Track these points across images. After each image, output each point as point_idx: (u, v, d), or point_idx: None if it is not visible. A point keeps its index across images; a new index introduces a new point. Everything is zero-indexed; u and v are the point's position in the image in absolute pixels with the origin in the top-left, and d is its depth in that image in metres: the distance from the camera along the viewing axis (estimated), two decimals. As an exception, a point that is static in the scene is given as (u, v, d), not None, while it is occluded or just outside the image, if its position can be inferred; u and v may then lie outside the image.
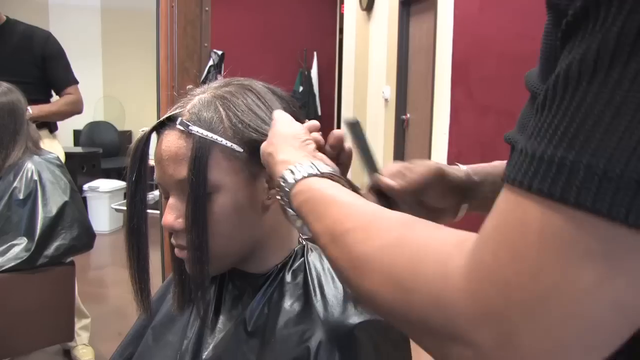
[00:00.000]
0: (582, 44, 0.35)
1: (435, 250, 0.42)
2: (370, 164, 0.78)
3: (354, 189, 0.65)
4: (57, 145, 2.96)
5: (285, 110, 0.83)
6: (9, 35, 2.88)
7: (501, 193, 0.39)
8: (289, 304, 0.83)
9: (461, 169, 0.82)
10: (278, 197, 0.66)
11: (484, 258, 0.37)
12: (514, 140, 0.53)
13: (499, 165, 0.83)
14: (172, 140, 0.79)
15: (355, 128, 0.79)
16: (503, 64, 4.30)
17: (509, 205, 0.37)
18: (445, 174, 0.78)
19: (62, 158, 2.60)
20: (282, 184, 0.64)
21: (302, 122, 0.87)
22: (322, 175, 0.63)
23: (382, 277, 0.45)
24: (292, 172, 0.64)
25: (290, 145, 0.69)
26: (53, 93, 3.07)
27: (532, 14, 4.38)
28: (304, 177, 0.63)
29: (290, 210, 0.64)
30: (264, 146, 0.73)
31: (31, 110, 2.65)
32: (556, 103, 0.35)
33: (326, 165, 0.65)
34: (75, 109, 3.03)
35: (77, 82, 3.07)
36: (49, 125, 2.98)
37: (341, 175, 0.65)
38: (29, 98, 2.30)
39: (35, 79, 2.92)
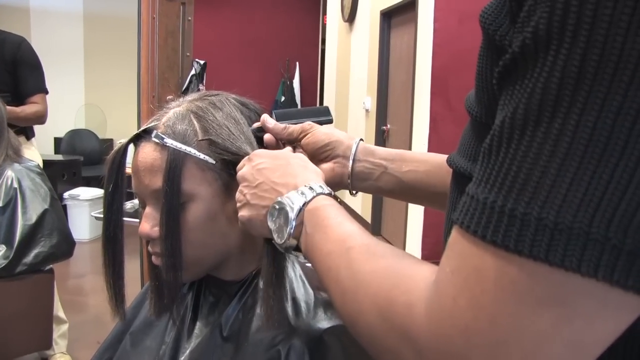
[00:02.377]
0: (524, 89, 0.36)
1: (406, 281, 0.45)
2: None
3: None
4: (34, 153, 2.93)
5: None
6: None
7: (453, 234, 0.40)
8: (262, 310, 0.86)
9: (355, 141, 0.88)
10: (280, 199, 0.68)
11: (444, 302, 0.39)
12: (457, 165, 0.55)
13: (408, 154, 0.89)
14: (148, 152, 0.82)
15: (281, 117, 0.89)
16: (481, 76, 4.35)
17: (464, 251, 0.38)
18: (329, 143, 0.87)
19: (40, 165, 2.59)
20: (312, 184, 0.68)
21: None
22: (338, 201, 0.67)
23: (368, 301, 0.48)
24: (319, 187, 0.68)
25: (314, 169, 0.74)
26: None
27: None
28: (328, 193, 0.67)
29: (300, 205, 0.66)
30: (265, 162, 0.75)
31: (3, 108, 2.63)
32: (502, 150, 0.36)
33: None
34: (39, 120, 2.98)
35: (46, 92, 3.02)
36: (25, 132, 2.95)
37: None
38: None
39: (8, 85, 2.88)
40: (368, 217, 5.88)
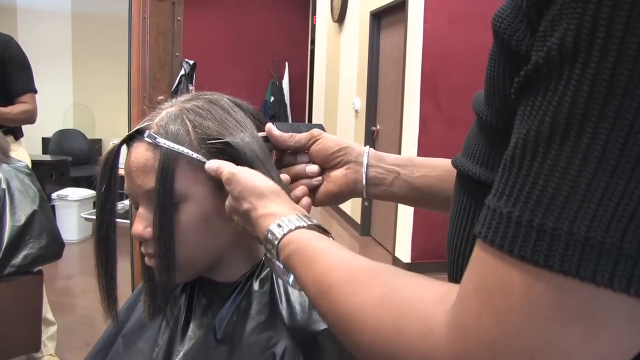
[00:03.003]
0: (549, 102, 0.35)
1: (416, 309, 0.44)
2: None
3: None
4: (22, 152, 2.90)
5: (253, 123, 0.87)
6: None
7: (476, 250, 0.40)
8: (256, 312, 0.85)
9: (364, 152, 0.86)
10: (265, 251, 0.67)
11: (468, 320, 0.38)
12: (464, 167, 0.54)
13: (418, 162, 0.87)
14: (141, 152, 0.82)
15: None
16: (471, 76, 4.37)
17: (488, 266, 0.38)
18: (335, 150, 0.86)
19: (28, 165, 2.57)
20: (269, 237, 0.66)
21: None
22: (310, 227, 0.65)
23: (369, 336, 0.47)
24: (279, 225, 0.65)
25: (270, 200, 0.71)
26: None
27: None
28: (291, 230, 0.64)
29: (278, 262, 0.65)
30: (233, 204, 0.75)
31: None
32: (526, 162, 0.36)
33: (308, 217, 0.68)
34: (29, 120, 2.96)
35: (35, 91, 2.99)
36: (14, 132, 2.92)
37: (323, 228, 0.67)
38: None
39: None
40: (358, 218, 5.88)
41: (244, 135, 0.83)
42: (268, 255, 0.67)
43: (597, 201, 0.33)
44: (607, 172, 0.33)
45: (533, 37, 0.38)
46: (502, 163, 0.38)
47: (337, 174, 0.86)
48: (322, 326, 0.81)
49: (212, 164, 0.79)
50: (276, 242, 0.65)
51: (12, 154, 2.31)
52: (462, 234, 0.55)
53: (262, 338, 0.81)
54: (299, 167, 0.87)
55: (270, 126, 0.87)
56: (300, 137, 0.87)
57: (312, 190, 0.88)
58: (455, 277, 0.56)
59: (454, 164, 0.58)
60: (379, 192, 0.86)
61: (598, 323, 0.34)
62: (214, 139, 0.81)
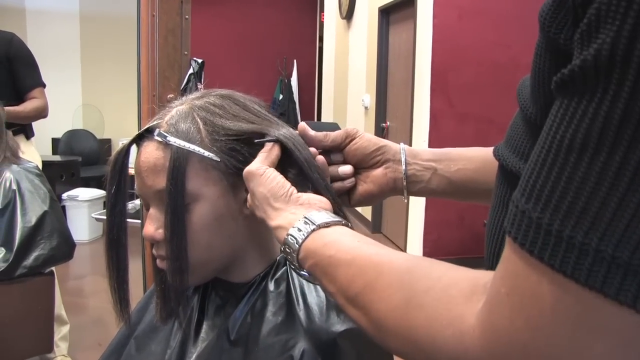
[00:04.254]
0: (584, 114, 0.35)
1: (446, 312, 0.44)
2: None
3: (347, 217, 0.70)
4: (34, 152, 2.92)
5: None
6: None
7: (507, 250, 0.40)
8: (272, 313, 0.83)
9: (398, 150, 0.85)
10: (288, 262, 0.67)
11: (499, 322, 0.39)
12: (507, 161, 0.54)
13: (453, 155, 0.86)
14: (151, 152, 0.80)
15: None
16: (481, 71, 4.34)
17: (519, 271, 0.38)
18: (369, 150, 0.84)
19: (39, 165, 2.57)
20: (288, 250, 0.65)
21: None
22: (319, 227, 0.64)
23: (402, 339, 0.48)
24: (293, 237, 0.64)
25: (274, 208, 0.70)
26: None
27: (509, 23, 4.43)
28: (304, 240, 0.63)
29: (303, 272, 0.65)
30: (253, 207, 0.74)
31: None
32: (556, 169, 0.36)
33: (318, 210, 0.67)
34: (42, 114, 2.98)
35: (43, 85, 3.02)
36: (25, 131, 2.94)
37: (333, 214, 0.66)
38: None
39: (4, 82, 2.87)
40: (369, 215, 5.86)
41: (286, 131, 0.81)
42: (292, 267, 0.67)
43: (626, 222, 0.33)
44: (637, 195, 0.33)
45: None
46: (530, 159, 0.38)
47: (377, 173, 0.85)
48: (341, 328, 0.79)
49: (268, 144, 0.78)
50: (295, 255, 0.64)
51: (23, 155, 2.32)
52: (502, 226, 0.54)
53: (279, 340, 0.80)
54: (331, 169, 0.85)
55: (304, 125, 0.84)
56: (336, 136, 0.84)
57: (345, 192, 0.86)
58: (493, 268, 0.55)
59: (496, 156, 0.57)
60: (418, 190, 0.85)
61: (624, 338, 0.35)
62: (261, 138, 0.79)
